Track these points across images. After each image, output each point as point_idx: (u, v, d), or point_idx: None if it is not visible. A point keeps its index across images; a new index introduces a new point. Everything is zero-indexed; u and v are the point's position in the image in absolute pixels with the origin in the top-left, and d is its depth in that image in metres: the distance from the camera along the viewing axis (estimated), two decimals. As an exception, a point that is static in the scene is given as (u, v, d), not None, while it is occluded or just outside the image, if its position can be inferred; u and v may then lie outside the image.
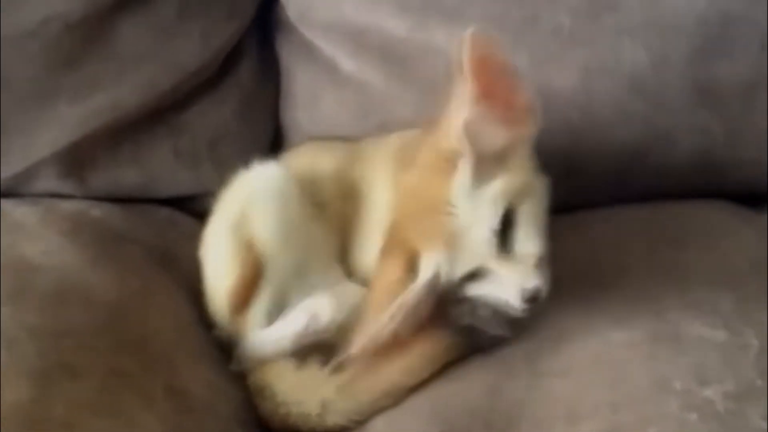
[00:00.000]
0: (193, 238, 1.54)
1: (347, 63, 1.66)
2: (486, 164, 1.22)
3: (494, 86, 1.21)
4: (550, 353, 1.23)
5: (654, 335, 1.20)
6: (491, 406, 1.19)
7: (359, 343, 1.26)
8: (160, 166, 1.65)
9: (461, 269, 1.25)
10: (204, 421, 1.26)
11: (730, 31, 1.53)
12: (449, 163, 1.24)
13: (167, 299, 1.43)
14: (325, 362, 1.32)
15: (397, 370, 1.29)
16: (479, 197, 1.22)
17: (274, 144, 1.75)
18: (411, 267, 1.26)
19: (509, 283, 1.23)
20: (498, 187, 1.23)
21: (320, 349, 1.35)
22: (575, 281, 1.33)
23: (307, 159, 1.51)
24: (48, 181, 1.60)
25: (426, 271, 1.25)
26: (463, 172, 1.22)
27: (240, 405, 1.34)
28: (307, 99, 1.71)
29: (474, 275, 1.25)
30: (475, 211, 1.22)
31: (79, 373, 1.17)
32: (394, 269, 1.27)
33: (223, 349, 1.41)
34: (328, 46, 1.67)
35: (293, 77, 1.73)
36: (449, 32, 1.58)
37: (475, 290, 1.26)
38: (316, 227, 1.42)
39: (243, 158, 1.53)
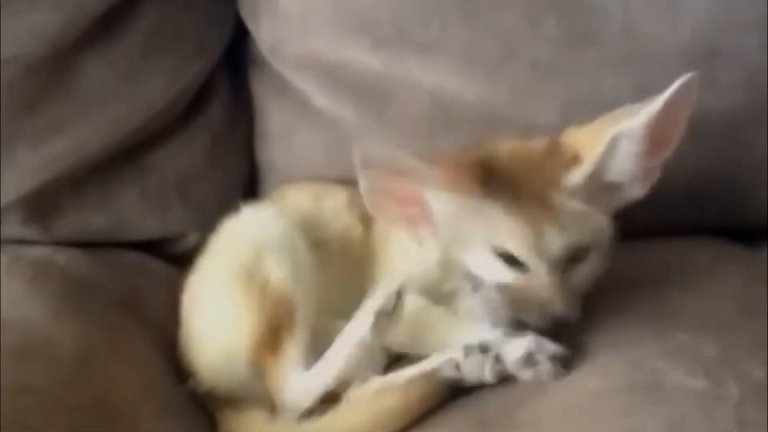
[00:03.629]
0: (163, 284, 1.59)
1: (320, 99, 1.69)
2: (598, 188, 1.31)
3: (664, 138, 1.30)
4: (525, 403, 1.26)
5: (631, 384, 1.22)
6: (463, 461, 1.22)
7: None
8: (127, 210, 1.68)
9: (493, 249, 1.32)
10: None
11: (716, 63, 1.56)
12: (570, 160, 1.31)
13: (133, 351, 1.45)
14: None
15: (369, 421, 1.33)
16: (571, 211, 1.30)
17: (249, 184, 1.78)
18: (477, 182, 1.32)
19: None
20: (592, 219, 1.33)
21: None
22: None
23: (307, 198, 1.59)
24: (11, 227, 1.63)
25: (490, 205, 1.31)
26: (580, 172, 1.30)
27: (209, 464, 1.37)
28: (279, 136, 1.75)
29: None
30: (561, 220, 1.30)
31: (38, 434, 1.20)
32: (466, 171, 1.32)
33: (196, 402, 1.45)
34: (300, 82, 1.71)
35: (266, 114, 1.76)
36: (426, 67, 1.62)
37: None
38: (321, 266, 1.47)
39: (215, 199, 1.60)
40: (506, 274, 1.32)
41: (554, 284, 1.30)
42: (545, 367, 1.26)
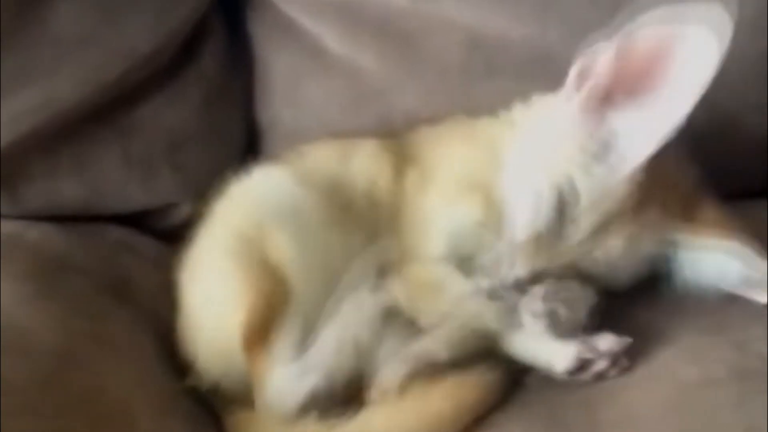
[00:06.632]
0: (152, 263, 1.53)
1: (336, 43, 1.63)
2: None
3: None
4: (609, 398, 1.20)
5: (739, 372, 1.16)
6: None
7: None
8: (107, 177, 1.61)
9: None
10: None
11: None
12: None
13: (122, 342, 1.38)
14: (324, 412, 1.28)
15: (419, 423, 1.25)
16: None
17: (249, 146, 1.72)
18: None
19: None
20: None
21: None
22: (630, 305, 1.31)
23: (332, 157, 1.50)
24: (-27, 199, 1.56)
25: None
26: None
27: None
28: (287, 90, 1.69)
29: None
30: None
31: (17, 442, 1.13)
32: None
33: (199, 398, 1.37)
34: (312, 24, 1.65)
35: (270, 64, 1.70)
36: (462, 2, 1.56)
37: None
38: (342, 233, 1.40)
39: (210, 164, 1.54)
40: (545, 214, 1.29)
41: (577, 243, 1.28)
42: (601, 366, 1.23)
